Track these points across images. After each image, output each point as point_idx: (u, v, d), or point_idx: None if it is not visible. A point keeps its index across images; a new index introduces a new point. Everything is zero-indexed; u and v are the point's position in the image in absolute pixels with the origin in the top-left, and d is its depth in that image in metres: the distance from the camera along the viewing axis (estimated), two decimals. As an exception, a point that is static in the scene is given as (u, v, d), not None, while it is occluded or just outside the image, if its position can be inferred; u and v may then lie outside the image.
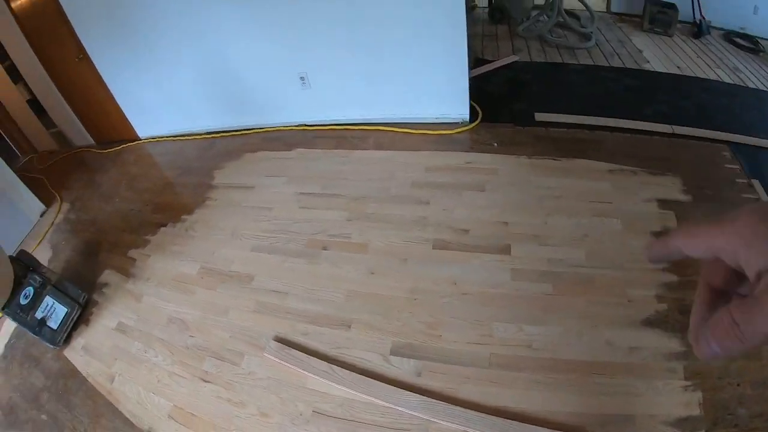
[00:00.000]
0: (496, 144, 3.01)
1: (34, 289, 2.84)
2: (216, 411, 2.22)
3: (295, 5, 3.10)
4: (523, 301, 2.15)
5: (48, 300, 2.88)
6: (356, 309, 2.35)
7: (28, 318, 2.78)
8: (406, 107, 3.34)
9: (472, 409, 1.84)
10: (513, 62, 4.08)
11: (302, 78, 3.46)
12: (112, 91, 4.43)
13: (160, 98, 4.30)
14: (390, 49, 3.06)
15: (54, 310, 2.90)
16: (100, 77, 4.31)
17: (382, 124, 3.45)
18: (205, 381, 2.36)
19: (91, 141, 5.13)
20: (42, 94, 4.85)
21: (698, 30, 5.03)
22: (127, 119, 4.66)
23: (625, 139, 2.94)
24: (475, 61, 4.12)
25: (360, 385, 2.04)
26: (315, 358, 2.20)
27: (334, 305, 2.41)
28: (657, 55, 4.57)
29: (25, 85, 4.95)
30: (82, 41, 4.04)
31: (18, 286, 2.77)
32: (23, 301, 2.78)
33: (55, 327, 2.90)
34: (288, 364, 2.22)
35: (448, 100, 3.19)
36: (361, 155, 3.27)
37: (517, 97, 3.58)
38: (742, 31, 5.06)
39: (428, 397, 1.92)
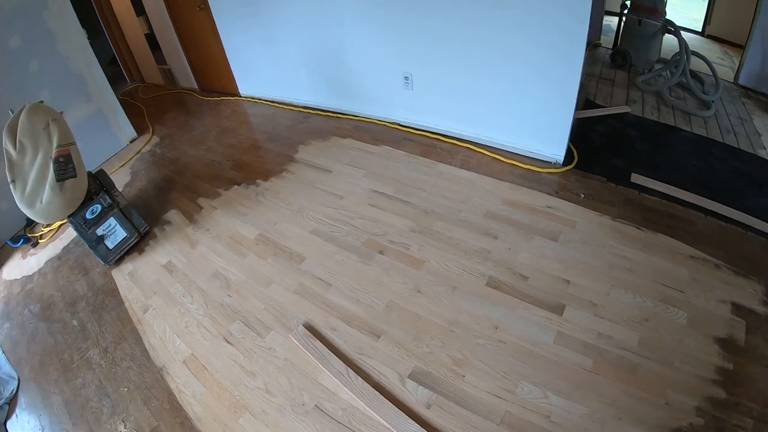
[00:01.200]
0: (583, 195, 2.89)
1: (102, 207, 3.05)
2: (227, 372, 2.30)
3: (416, 11, 3.12)
4: (558, 369, 2.04)
5: (111, 221, 3.09)
6: (391, 322, 2.34)
7: (89, 232, 3.00)
8: (503, 133, 3.26)
9: None
10: (624, 113, 3.91)
11: (406, 78, 3.47)
12: (224, 45, 4.66)
13: (267, 62, 4.46)
14: (501, 73, 3.00)
15: (114, 232, 3.11)
16: (215, 29, 4.54)
17: (474, 144, 3.40)
18: (228, 342, 2.44)
19: (195, 86, 5.43)
20: (160, 31, 5.18)
21: None
22: (232, 74, 4.89)
23: (718, 227, 2.69)
24: (585, 103, 3.99)
25: (369, 397, 2.03)
26: (335, 357, 2.21)
27: (371, 311, 2.41)
28: None
29: (147, 19, 5.29)
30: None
31: (89, 200, 3.00)
32: (89, 216, 2.99)
33: (110, 247, 3.11)
34: (308, 353, 2.25)
35: (547, 137, 3.09)
36: (444, 169, 3.23)
37: (618, 151, 3.41)
38: None
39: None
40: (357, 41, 3.63)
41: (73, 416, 2.32)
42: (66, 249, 3.48)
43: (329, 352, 2.24)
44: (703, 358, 2.00)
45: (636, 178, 3.11)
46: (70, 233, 3.57)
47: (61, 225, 3.74)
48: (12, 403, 2.51)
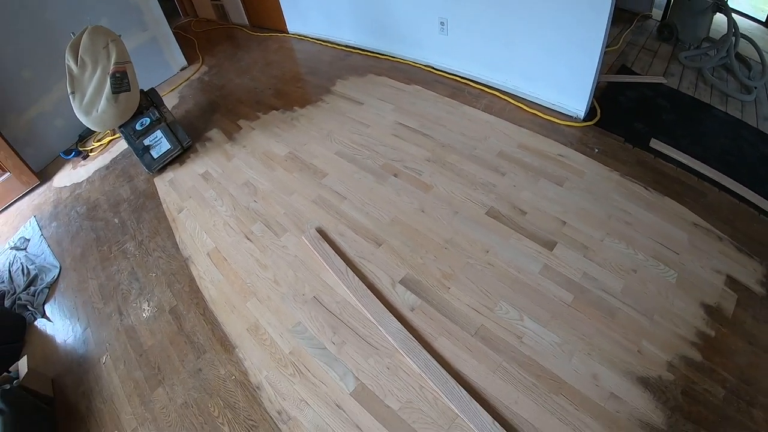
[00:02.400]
0: (597, 150, 3.02)
1: (150, 120, 3.40)
2: (243, 263, 2.64)
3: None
4: (538, 297, 2.23)
5: (158, 133, 3.43)
6: (393, 234, 2.60)
7: (137, 141, 3.36)
8: (530, 83, 3.42)
9: (437, 360, 2.03)
10: (658, 83, 3.97)
11: (442, 23, 3.65)
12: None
13: (314, 3, 4.69)
14: (535, 25, 3.14)
15: (160, 143, 3.45)
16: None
17: (500, 91, 3.57)
18: (248, 239, 2.77)
19: (246, 21, 5.70)
20: None
21: None
22: (282, 11, 5.14)
23: (730, 203, 2.73)
24: (620, 68, 4.07)
25: (361, 294, 2.31)
26: (339, 257, 2.49)
27: (376, 223, 2.68)
28: None
29: None
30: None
31: (139, 114, 3.35)
32: (138, 127, 3.35)
33: (155, 156, 3.45)
34: (315, 252, 2.54)
35: (570, 92, 3.23)
36: (468, 111, 3.42)
37: (643, 117, 3.49)
38: None
39: (408, 331, 2.13)
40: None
41: (105, 296, 2.72)
42: (114, 161, 3.87)
43: (334, 253, 2.52)
44: (685, 319, 2.13)
45: (655, 144, 3.20)
46: (118, 147, 3.97)
47: (111, 140, 4.14)
48: (52, 288, 2.91)
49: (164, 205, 3.21)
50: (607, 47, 3.53)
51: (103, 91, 3.11)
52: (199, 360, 2.26)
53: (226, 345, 2.29)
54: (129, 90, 3.17)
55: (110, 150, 4.04)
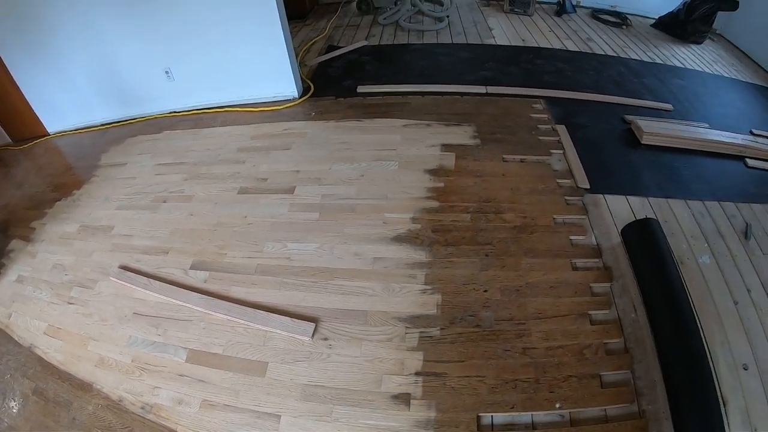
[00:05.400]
0: (313, 113, 4.03)
1: None
2: (74, 323, 3.21)
3: (153, 17, 4.22)
4: (292, 226, 3.13)
5: None
6: (174, 241, 3.38)
7: None
8: (248, 90, 4.42)
9: (236, 303, 2.82)
10: (361, 47, 5.10)
11: (167, 72, 4.53)
12: (23, 91, 5.43)
13: (63, 95, 5.31)
14: (232, 47, 4.14)
15: None
16: (11, 78, 5.31)
17: (230, 106, 4.52)
18: (71, 303, 3.34)
19: (8, 139, 6.10)
20: None
21: (561, 9, 5.99)
22: (37, 116, 5.68)
23: (432, 101, 3.80)
24: (327, 48, 5.18)
25: (165, 291, 3.05)
26: (140, 276, 3.23)
27: (160, 239, 3.44)
28: (506, 31, 5.48)
29: None
30: (-3, 50, 5.08)
31: None
32: None
33: None
34: (123, 282, 3.23)
35: (279, 82, 4.25)
36: (209, 132, 4.31)
37: (350, 75, 4.57)
38: (612, 9, 6.04)
39: (207, 296, 2.92)
40: (123, 51, 4.64)
41: None
42: None
43: (137, 275, 3.25)
44: (415, 186, 3.07)
45: (361, 89, 4.26)
46: None
47: None
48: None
49: None
50: (317, 36, 4.66)
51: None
52: (70, 412, 2.77)
53: (84, 387, 2.84)
54: None
55: None
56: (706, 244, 2.87)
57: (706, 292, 2.58)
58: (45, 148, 5.64)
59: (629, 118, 3.78)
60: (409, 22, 5.46)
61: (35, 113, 5.61)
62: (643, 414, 2.07)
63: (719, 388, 2.11)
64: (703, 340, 2.27)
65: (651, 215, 2.95)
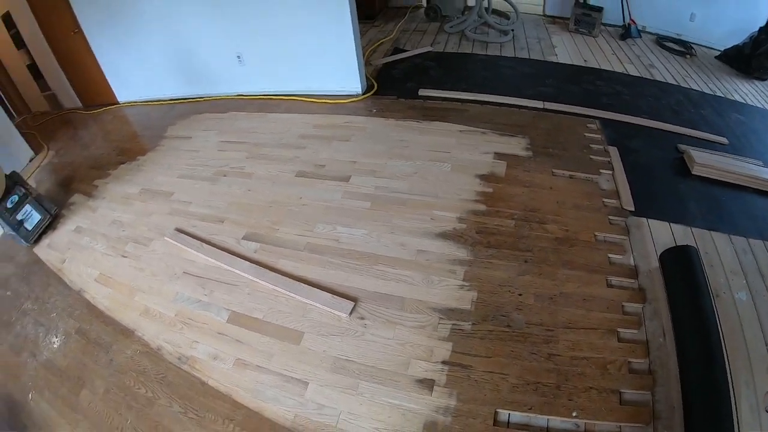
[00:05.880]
0: (374, 110, 4.23)
1: (18, 197, 4.05)
2: (125, 274, 3.45)
3: (232, 4, 4.54)
4: (344, 212, 3.32)
5: (27, 207, 4.10)
6: (230, 212, 3.60)
7: (11, 218, 4.00)
8: (314, 82, 4.69)
9: (282, 275, 3.03)
10: (426, 52, 5.30)
11: (239, 57, 4.82)
12: (99, 62, 5.83)
13: (136, 69, 5.69)
14: (303, 41, 4.44)
15: (31, 216, 4.12)
16: (90, 49, 5.70)
17: (295, 95, 4.80)
18: (124, 257, 3.59)
19: (79, 104, 6.49)
20: (41, 60, 6.18)
21: (626, 32, 6.03)
22: (109, 85, 6.07)
23: (491, 110, 3.98)
24: (393, 50, 5.40)
25: (216, 255, 3.27)
26: (194, 239, 3.46)
27: (217, 209, 3.67)
28: (569, 50, 5.54)
29: (27, 51, 6.23)
30: (78, 17, 5.43)
31: (7, 193, 4.00)
32: (9, 205, 3.99)
33: (29, 228, 4.11)
34: (177, 243, 3.47)
35: (345, 77, 4.49)
36: (272, 116, 4.58)
37: (413, 78, 4.76)
38: (677, 37, 6.01)
39: (256, 265, 3.12)
40: (198, 33, 4.96)
41: (16, 351, 3.14)
42: None
43: (190, 238, 3.49)
44: (465, 188, 3.26)
45: (423, 92, 4.45)
46: None
47: None
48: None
49: (48, 264, 3.88)
50: (384, 38, 4.92)
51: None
52: (108, 353, 2.96)
53: (126, 333, 3.05)
54: (-6, 174, 3.94)
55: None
56: (744, 281, 2.90)
57: (739, 328, 2.61)
58: (113, 116, 5.98)
59: (682, 147, 3.84)
60: (475, 33, 5.64)
61: (108, 83, 5.99)
62: (657, 438, 2.09)
63: (738, 426, 2.11)
64: (729, 375, 2.27)
65: (692, 244, 3.02)
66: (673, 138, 4.02)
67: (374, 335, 2.61)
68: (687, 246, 2.82)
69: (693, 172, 3.57)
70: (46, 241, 4.12)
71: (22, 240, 4.07)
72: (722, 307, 2.67)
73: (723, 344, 2.36)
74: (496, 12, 5.92)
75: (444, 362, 2.41)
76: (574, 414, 2.16)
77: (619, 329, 2.48)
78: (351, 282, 2.89)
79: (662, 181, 3.52)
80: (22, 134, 5.77)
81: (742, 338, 2.54)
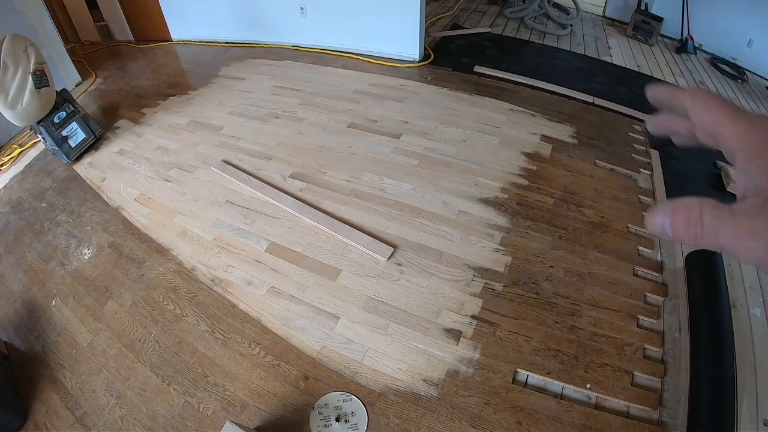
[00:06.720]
0: (429, 78, 4.38)
1: (66, 113, 4.22)
2: (166, 196, 3.59)
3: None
4: (392, 166, 3.47)
5: (74, 125, 4.27)
6: (279, 151, 3.76)
7: (56, 133, 4.16)
8: (374, 42, 4.83)
9: (325, 214, 3.18)
10: (484, 32, 5.44)
11: (302, 8, 4.97)
12: (158, -1, 5.99)
13: (196, 8, 5.84)
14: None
15: (76, 133, 4.29)
16: (150, -16, 5.88)
17: (353, 53, 4.94)
18: (167, 181, 3.74)
19: (131, 37, 6.66)
20: None
21: (682, 47, 6.08)
22: (165, 22, 6.23)
23: (542, 96, 4.12)
24: (452, 26, 5.55)
25: (262, 188, 3.41)
26: (241, 171, 3.61)
27: (266, 147, 3.83)
28: (624, 53, 5.63)
29: None
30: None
31: (55, 109, 4.17)
32: (56, 120, 4.16)
33: (73, 145, 4.26)
34: (222, 173, 3.62)
35: (404, 42, 4.63)
36: (327, 70, 4.72)
37: (470, 54, 4.89)
38: (731, 60, 6.05)
39: (300, 202, 3.27)
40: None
41: (45, 259, 3.26)
42: (28, 166, 4.52)
43: (236, 169, 3.64)
44: (511, 162, 3.41)
45: (478, 69, 4.59)
46: (29, 157, 4.68)
47: (20, 152, 4.82)
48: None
49: (88, 181, 4.00)
50: (444, 13, 5.07)
51: (26, 87, 3.99)
52: (140, 269, 3.09)
53: (161, 251, 3.18)
54: (48, 85, 4.05)
55: (21, 160, 4.69)
56: (761, 298, 3.01)
57: (749, 342, 2.71)
58: (165, 51, 6.15)
59: (721, 164, 3.96)
60: (534, 22, 5.78)
61: (165, 18, 6.13)
62: (660, 424, 2.22)
63: (737, 426, 2.21)
64: (735, 383, 2.37)
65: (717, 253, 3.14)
66: (714, 155, 4.14)
67: (409, 281, 2.74)
68: (713, 252, 2.94)
69: (728, 189, 3.68)
70: (87, 160, 4.25)
71: (64, 156, 4.21)
72: (737, 318, 2.77)
73: (734, 354, 2.47)
74: (557, 5, 6.05)
75: (473, 316, 2.55)
76: (588, 386, 2.29)
77: (639, 316, 2.60)
78: (392, 230, 3.03)
79: (697, 192, 3.63)
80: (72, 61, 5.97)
81: (751, 351, 2.65)
